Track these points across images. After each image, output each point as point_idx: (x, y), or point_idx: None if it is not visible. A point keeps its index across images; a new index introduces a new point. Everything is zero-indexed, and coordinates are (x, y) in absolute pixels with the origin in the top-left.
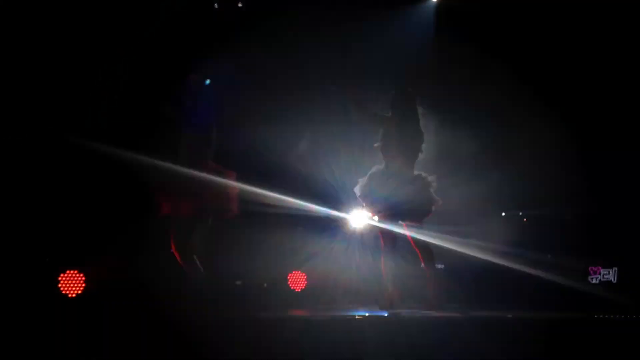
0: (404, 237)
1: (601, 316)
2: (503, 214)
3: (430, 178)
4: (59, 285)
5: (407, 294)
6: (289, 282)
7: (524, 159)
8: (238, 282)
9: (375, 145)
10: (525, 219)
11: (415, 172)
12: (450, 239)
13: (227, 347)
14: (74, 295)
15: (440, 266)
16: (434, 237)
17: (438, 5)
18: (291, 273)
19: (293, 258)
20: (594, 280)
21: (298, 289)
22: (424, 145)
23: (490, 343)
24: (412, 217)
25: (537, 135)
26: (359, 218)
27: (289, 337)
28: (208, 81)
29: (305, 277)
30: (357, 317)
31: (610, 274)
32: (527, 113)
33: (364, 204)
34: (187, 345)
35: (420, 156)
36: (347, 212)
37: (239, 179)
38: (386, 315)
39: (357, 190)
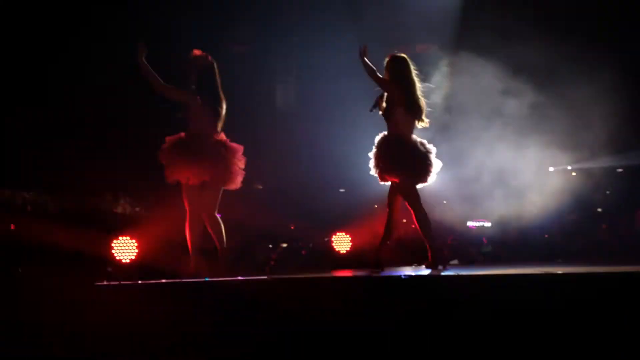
0: None
1: None
2: (551, 168)
3: (428, 145)
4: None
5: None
6: (332, 244)
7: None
8: (284, 244)
9: (380, 112)
10: (574, 173)
11: (415, 138)
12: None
13: (272, 307)
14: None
15: (487, 224)
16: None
17: None
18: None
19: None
20: None
21: (343, 251)
22: (427, 110)
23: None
24: (414, 178)
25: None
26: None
27: (332, 297)
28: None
29: (350, 238)
30: (402, 277)
31: None
32: (575, 66)
33: (374, 167)
34: (236, 304)
35: (423, 123)
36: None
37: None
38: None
39: (370, 155)
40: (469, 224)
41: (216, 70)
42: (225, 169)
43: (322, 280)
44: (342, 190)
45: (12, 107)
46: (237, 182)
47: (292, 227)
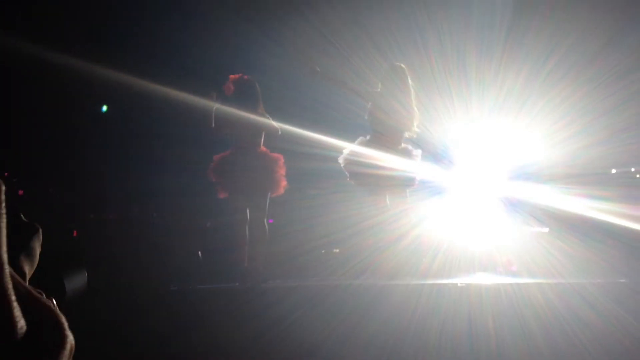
0: None
1: None
2: (613, 170)
3: (415, 152)
4: None
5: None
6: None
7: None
8: (336, 250)
9: (366, 117)
10: (638, 175)
11: (402, 146)
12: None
13: (333, 312)
14: None
15: (545, 229)
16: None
17: None
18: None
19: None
20: None
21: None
22: (416, 122)
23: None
24: (395, 187)
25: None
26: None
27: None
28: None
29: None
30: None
31: None
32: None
33: (347, 173)
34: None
35: (410, 132)
36: (460, 174)
37: None
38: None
39: (340, 159)
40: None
41: (255, 87)
42: (271, 177)
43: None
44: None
45: None
46: (281, 189)
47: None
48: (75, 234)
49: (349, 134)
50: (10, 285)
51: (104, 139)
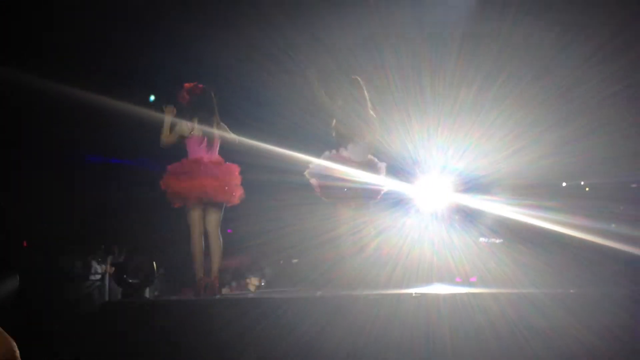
0: None
1: None
2: (564, 184)
3: (380, 164)
4: None
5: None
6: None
7: (583, 127)
8: (295, 260)
9: (333, 134)
10: (587, 189)
11: (368, 158)
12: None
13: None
14: None
15: (498, 240)
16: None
17: None
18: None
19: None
20: None
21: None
22: (378, 132)
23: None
24: (360, 199)
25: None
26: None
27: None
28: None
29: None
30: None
31: None
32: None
33: (314, 186)
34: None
35: (369, 140)
36: (417, 185)
37: None
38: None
39: (307, 173)
40: (481, 239)
41: (211, 96)
42: (225, 187)
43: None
44: None
45: None
46: (236, 199)
47: None
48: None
49: (311, 147)
50: None
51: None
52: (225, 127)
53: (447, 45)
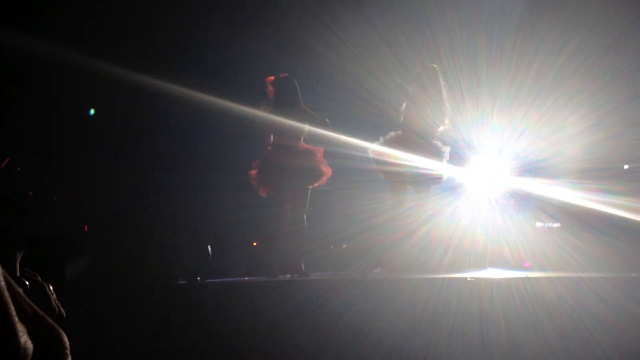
0: None
1: None
2: (626, 166)
3: (445, 148)
4: None
5: None
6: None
7: None
8: (344, 245)
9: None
10: None
11: (433, 142)
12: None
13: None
14: None
15: (556, 225)
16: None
17: None
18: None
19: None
20: None
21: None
22: (448, 119)
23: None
24: (421, 182)
25: None
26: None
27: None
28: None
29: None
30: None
31: None
32: None
33: (377, 167)
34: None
35: (442, 128)
36: (471, 169)
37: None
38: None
39: (370, 152)
40: (538, 224)
41: (294, 84)
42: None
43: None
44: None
45: None
46: (323, 180)
47: None
48: (86, 229)
49: (359, 130)
50: (12, 310)
51: (109, 138)
52: (311, 111)
53: (505, 21)
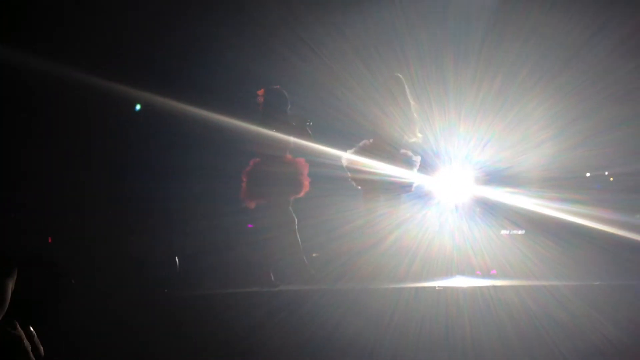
0: None
1: None
2: (588, 174)
3: (415, 157)
4: None
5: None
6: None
7: (610, 119)
8: (314, 254)
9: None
10: (611, 178)
11: (403, 151)
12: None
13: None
14: None
15: (520, 232)
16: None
17: None
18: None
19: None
20: None
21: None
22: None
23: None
24: (392, 191)
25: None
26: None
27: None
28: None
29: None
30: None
31: None
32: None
33: (350, 175)
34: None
35: (412, 138)
36: (438, 178)
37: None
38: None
39: (344, 161)
40: (503, 232)
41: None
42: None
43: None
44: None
45: None
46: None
47: None
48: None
49: (330, 139)
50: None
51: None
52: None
53: (470, 36)
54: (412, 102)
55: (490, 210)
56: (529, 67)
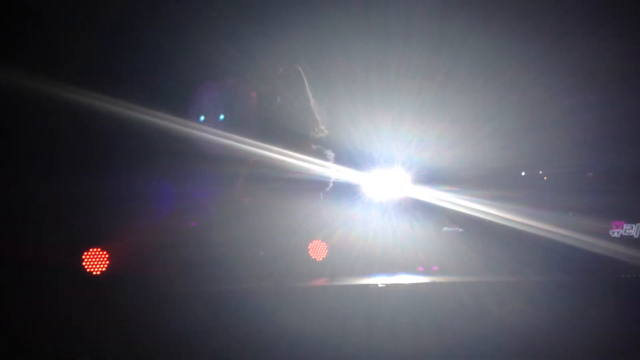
0: None
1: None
2: (523, 173)
3: (327, 152)
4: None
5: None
6: (309, 252)
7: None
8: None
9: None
10: (545, 177)
11: (314, 147)
12: (470, 200)
13: (248, 318)
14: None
15: (461, 230)
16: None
17: None
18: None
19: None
20: (615, 234)
21: (319, 259)
22: (318, 126)
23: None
24: (309, 191)
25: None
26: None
27: (310, 306)
28: None
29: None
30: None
31: (633, 230)
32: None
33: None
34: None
35: (319, 133)
36: (368, 176)
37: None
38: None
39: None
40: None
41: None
42: None
43: None
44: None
45: None
46: None
47: None
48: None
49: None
50: None
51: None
52: None
53: (409, 37)
54: (311, 99)
55: (431, 209)
56: (465, 68)
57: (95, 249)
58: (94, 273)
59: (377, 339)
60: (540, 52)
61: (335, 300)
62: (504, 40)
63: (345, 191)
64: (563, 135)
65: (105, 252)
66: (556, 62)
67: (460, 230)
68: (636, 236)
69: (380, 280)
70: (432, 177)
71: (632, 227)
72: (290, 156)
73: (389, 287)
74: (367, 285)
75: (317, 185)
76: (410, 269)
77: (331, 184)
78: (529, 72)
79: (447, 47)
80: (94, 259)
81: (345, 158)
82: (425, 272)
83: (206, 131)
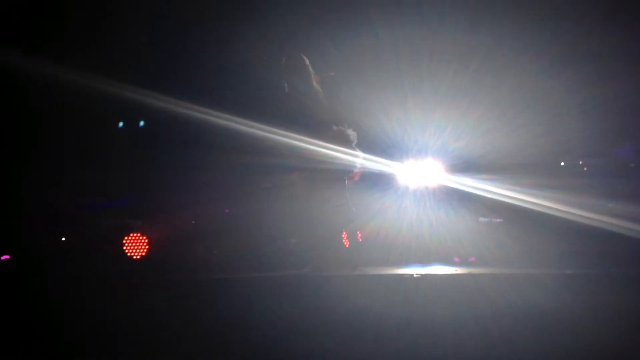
0: None
1: None
2: (562, 163)
3: (349, 133)
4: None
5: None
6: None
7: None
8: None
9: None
10: (585, 168)
11: (335, 128)
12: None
13: (284, 305)
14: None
15: (499, 220)
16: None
17: None
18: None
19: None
20: None
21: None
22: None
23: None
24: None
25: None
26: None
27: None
28: None
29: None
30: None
31: None
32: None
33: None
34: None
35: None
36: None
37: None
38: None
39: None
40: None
41: None
42: None
43: None
44: None
45: None
46: None
47: None
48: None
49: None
50: None
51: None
52: None
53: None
54: (313, 80)
55: (467, 198)
56: (504, 52)
57: (135, 234)
58: (135, 257)
59: (415, 330)
60: (586, 33)
61: (370, 290)
62: (545, 21)
63: (380, 181)
64: (604, 124)
65: (145, 237)
66: (601, 45)
67: (499, 220)
68: None
69: (415, 271)
70: (471, 166)
71: None
72: (316, 145)
73: (424, 277)
74: (402, 275)
75: (343, 174)
76: (446, 260)
77: (359, 169)
78: (572, 55)
79: (485, 29)
80: (134, 244)
81: (379, 148)
82: (462, 263)
83: (240, 123)
